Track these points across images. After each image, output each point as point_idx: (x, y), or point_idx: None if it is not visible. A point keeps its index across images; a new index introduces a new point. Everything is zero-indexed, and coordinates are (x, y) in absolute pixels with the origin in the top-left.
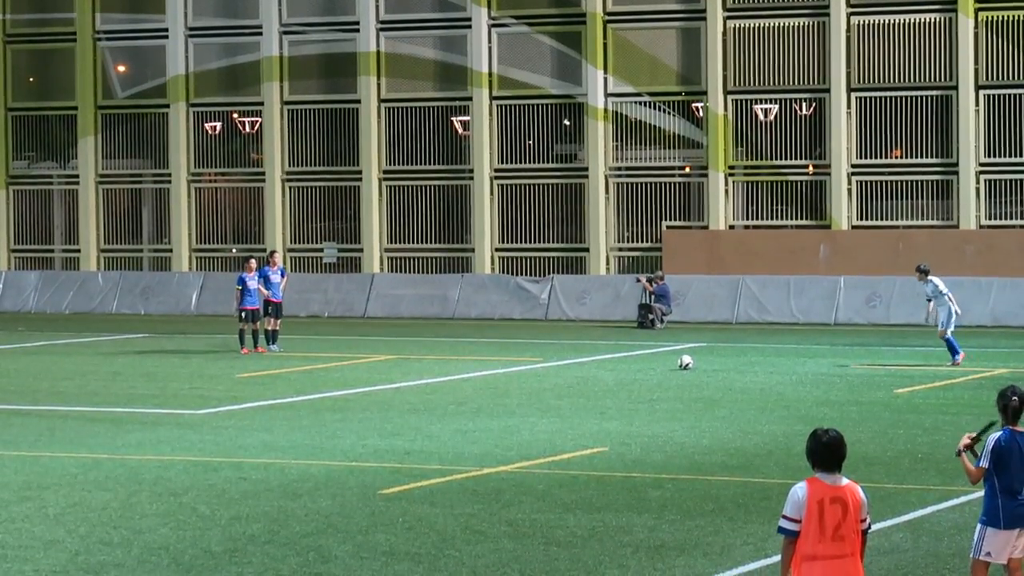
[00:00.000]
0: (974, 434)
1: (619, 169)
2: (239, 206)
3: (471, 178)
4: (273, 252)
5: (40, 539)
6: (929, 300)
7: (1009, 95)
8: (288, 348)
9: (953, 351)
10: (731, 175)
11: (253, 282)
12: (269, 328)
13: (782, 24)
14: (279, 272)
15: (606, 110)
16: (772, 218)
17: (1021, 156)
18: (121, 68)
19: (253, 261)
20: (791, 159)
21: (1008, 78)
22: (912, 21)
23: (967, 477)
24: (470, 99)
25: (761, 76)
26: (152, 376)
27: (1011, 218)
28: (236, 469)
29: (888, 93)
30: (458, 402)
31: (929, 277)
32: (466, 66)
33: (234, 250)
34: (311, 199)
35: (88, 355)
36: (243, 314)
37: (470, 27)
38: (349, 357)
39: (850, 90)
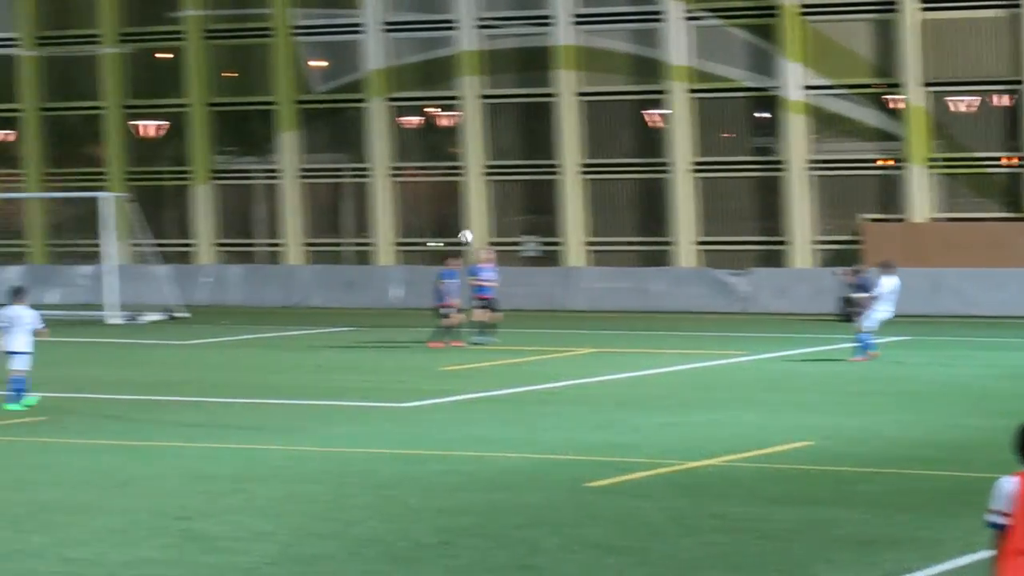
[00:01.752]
0: None
1: (816, 162)
2: (438, 200)
3: (668, 171)
4: (484, 246)
5: (252, 531)
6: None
7: None
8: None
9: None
10: (931, 167)
11: (454, 278)
12: (485, 320)
13: (977, 16)
14: (490, 267)
15: (802, 103)
16: (971, 210)
17: None
18: (318, 63)
19: (454, 258)
20: (989, 151)
21: None
22: None
23: None
24: (664, 92)
25: (958, 67)
26: (358, 369)
27: None
28: (443, 462)
29: None
30: (662, 395)
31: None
32: (660, 59)
33: (429, 244)
34: (509, 193)
35: (294, 349)
36: (442, 309)
37: (664, 20)
38: (551, 350)
39: None
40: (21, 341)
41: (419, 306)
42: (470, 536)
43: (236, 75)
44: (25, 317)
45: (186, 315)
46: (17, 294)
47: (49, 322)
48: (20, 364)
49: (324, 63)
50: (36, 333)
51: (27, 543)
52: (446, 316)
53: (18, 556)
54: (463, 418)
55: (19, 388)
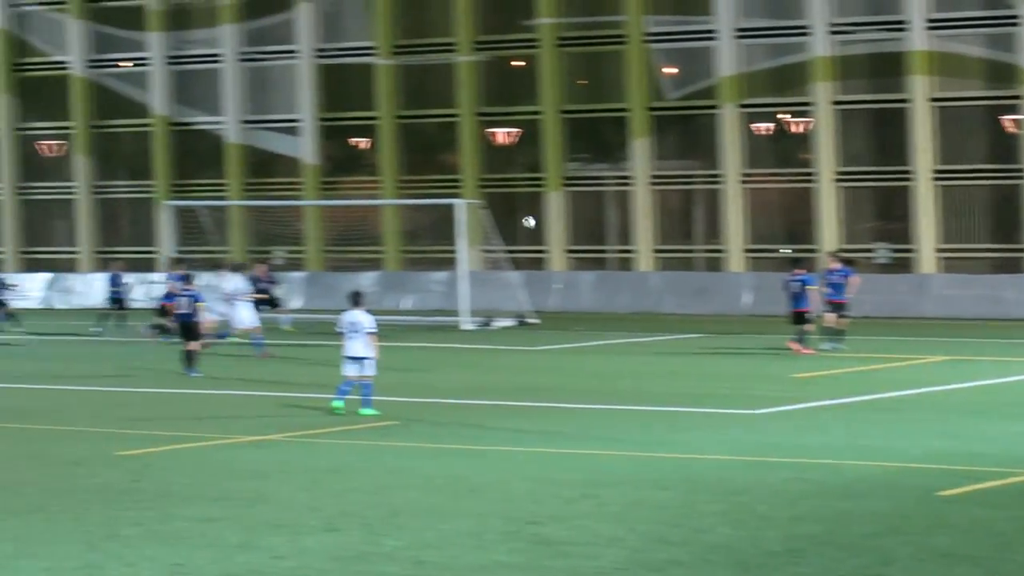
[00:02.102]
0: None
1: None
2: (790, 206)
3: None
4: (835, 251)
5: (602, 536)
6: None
7: None
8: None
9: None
10: None
11: (800, 283)
12: (834, 325)
13: None
14: (843, 273)
15: None
16: None
17: None
18: (670, 69)
19: (804, 262)
20: None
21: None
22: None
23: None
24: (1021, 97)
25: None
26: (708, 376)
27: None
28: (794, 469)
29: None
30: (1015, 404)
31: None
32: (1016, 64)
33: (789, 251)
34: (861, 199)
35: (644, 355)
36: (797, 316)
37: (1020, 24)
38: (902, 358)
39: None
40: (361, 346)
41: (769, 313)
42: (819, 544)
43: (589, 82)
44: (364, 322)
45: (536, 321)
46: (356, 299)
47: (403, 328)
48: (368, 370)
49: (676, 70)
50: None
51: (380, 546)
52: (810, 321)
53: (372, 558)
54: (814, 425)
55: (368, 393)
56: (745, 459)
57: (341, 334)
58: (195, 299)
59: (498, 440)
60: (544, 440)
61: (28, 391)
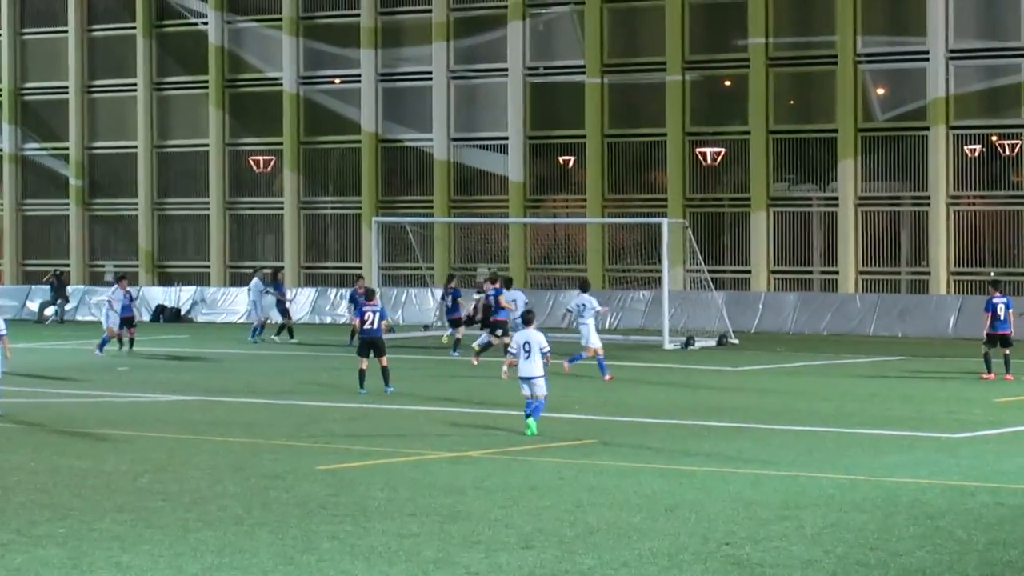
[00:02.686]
0: None
1: None
2: (998, 229)
3: None
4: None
5: (798, 558)
6: None
7: None
8: None
9: None
10: None
11: (1002, 307)
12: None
13: None
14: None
15: None
16: None
17: None
18: (881, 90)
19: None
20: None
21: None
22: None
23: None
24: None
25: None
26: (909, 398)
27: None
28: (993, 494)
29: None
30: None
31: None
32: None
33: (992, 273)
34: None
35: (845, 376)
36: (989, 338)
37: None
38: None
39: None
40: (534, 366)
41: (974, 335)
42: (1017, 570)
43: (798, 102)
44: (539, 340)
45: (736, 341)
46: (528, 318)
47: (606, 346)
48: (539, 389)
49: (887, 90)
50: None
51: (576, 564)
52: (994, 345)
53: None
54: (1016, 450)
55: (537, 411)
56: (944, 483)
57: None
58: (381, 315)
59: (696, 460)
60: (742, 460)
61: (228, 404)
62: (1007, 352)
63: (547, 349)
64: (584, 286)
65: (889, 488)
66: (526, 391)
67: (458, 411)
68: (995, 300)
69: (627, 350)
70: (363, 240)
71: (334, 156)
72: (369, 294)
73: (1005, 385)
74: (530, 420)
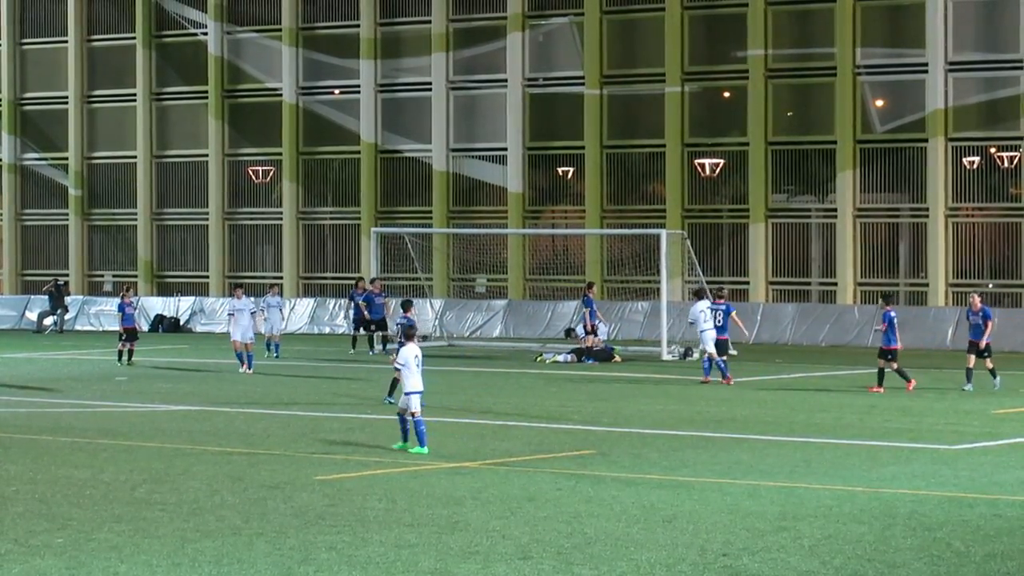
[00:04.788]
0: None
1: None
2: (997, 241)
3: None
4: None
5: (795, 569)
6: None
7: None
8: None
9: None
10: None
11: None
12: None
13: None
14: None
15: None
16: None
17: None
18: (880, 102)
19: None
20: None
21: None
22: None
23: None
24: None
25: None
26: (907, 410)
27: None
28: (991, 506)
29: None
30: None
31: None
32: None
33: (990, 285)
34: None
35: (843, 388)
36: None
37: None
38: None
39: None
40: (418, 379)
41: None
42: None
43: (797, 114)
44: (415, 356)
45: (734, 353)
46: (409, 332)
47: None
48: (418, 405)
49: (886, 102)
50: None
51: (573, 575)
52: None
53: None
54: (1013, 462)
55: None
56: (941, 494)
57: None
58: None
59: (694, 471)
60: (740, 471)
61: (226, 414)
62: (895, 366)
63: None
64: (700, 294)
65: (887, 499)
66: (415, 407)
67: (456, 422)
68: (891, 313)
69: (625, 360)
70: (362, 250)
71: (333, 166)
72: (406, 305)
73: (1003, 397)
74: (418, 448)
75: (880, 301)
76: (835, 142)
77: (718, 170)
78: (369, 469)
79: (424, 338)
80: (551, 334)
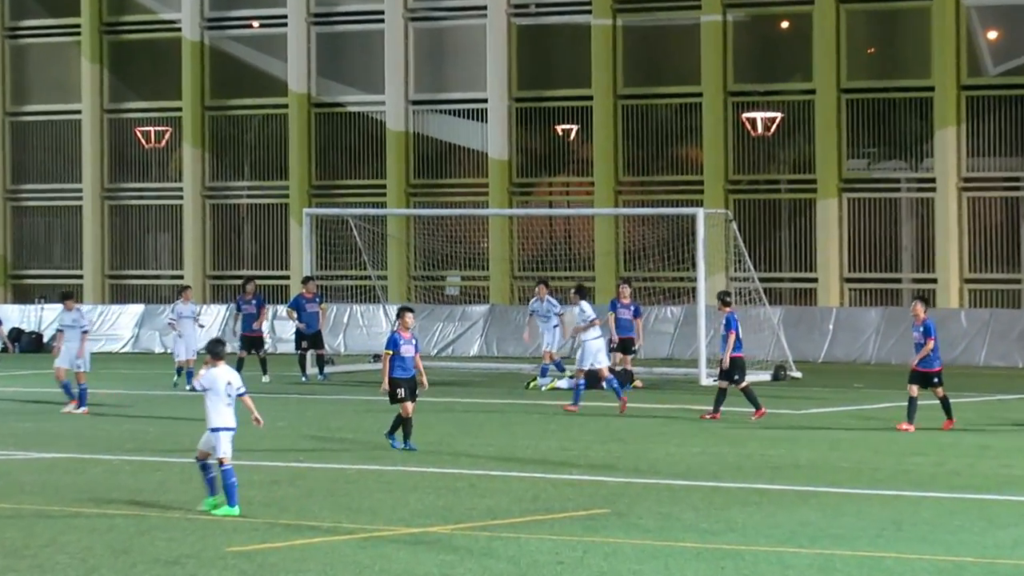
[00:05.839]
0: None
1: None
2: None
3: None
4: None
5: None
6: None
7: None
8: None
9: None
10: None
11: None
12: None
13: None
14: None
15: None
16: None
17: None
18: (993, 35)
19: None
20: None
21: None
22: None
23: None
24: None
25: None
26: None
27: None
28: None
29: None
30: None
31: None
32: None
33: None
34: None
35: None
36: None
37: None
38: None
39: None
40: (230, 414)
41: None
42: None
43: (880, 51)
44: (237, 380)
45: (798, 375)
46: (218, 350)
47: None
48: (228, 449)
49: (1001, 35)
50: None
51: None
52: None
53: None
54: None
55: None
56: None
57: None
58: (416, 348)
59: (743, 536)
60: (806, 537)
61: (108, 463)
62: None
63: (243, 390)
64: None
65: (1005, 573)
66: (223, 451)
67: (420, 472)
68: (735, 317)
69: (651, 386)
70: (291, 239)
71: (251, 126)
72: (401, 314)
73: None
74: (226, 507)
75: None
76: (932, 89)
77: (774, 127)
78: (302, 536)
79: (376, 358)
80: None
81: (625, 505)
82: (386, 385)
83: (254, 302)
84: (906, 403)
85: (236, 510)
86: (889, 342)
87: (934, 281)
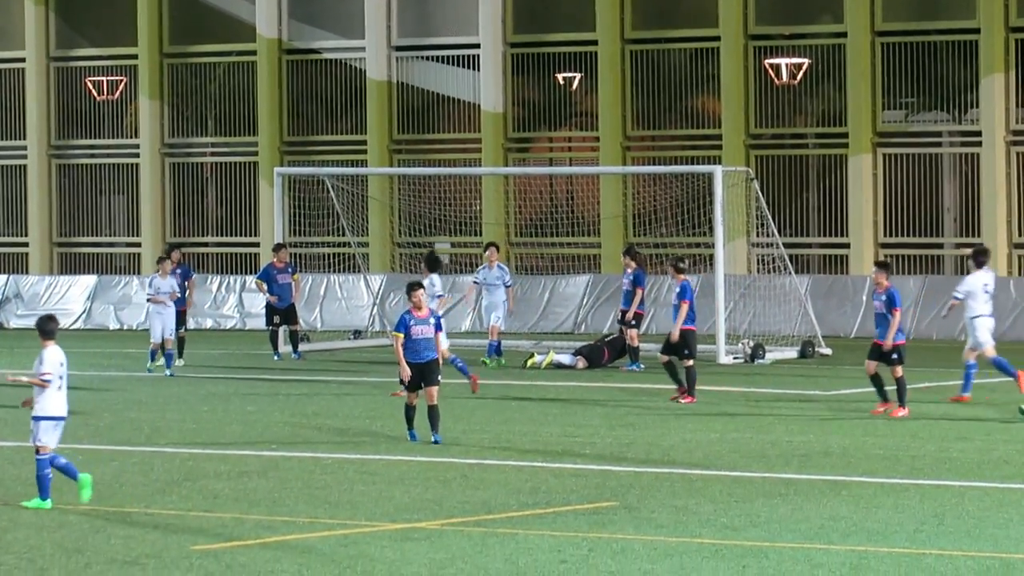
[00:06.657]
0: None
1: None
2: None
3: None
4: None
5: None
6: None
7: None
8: None
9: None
10: None
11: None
12: None
13: None
14: None
15: None
16: None
17: None
18: None
19: None
20: None
21: None
22: None
23: None
24: None
25: None
26: None
27: None
28: None
29: None
30: None
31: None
32: None
33: None
34: None
35: (993, 404)
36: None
37: None
38: None
39: None
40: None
41: None
42: None
43: None
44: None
45: (828, 351)
46: (49, 327)
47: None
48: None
49: None
50: None
51: None
52: None
53: None
54: None
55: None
56: None
57: None
58: (437, 327)
59: (768, 532)
60: (838, 532)
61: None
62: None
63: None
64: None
65: None
66: (49, 440)
67: (406, 460)
68: (691, 286)
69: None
70: (261, 202)
71: (216, 75)
72: (408, 291)
73: None
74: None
75: None
76: (978, 31)
77: (800, 75)
78: (276, 533)
79: (357, 334)
80: (549, 326)
81: (635, 498)
82: (403, 373)
83: (289, 270)
84: (952, 382)
85: (48, 504)
86: (930, 314)
87: (978, 247)
